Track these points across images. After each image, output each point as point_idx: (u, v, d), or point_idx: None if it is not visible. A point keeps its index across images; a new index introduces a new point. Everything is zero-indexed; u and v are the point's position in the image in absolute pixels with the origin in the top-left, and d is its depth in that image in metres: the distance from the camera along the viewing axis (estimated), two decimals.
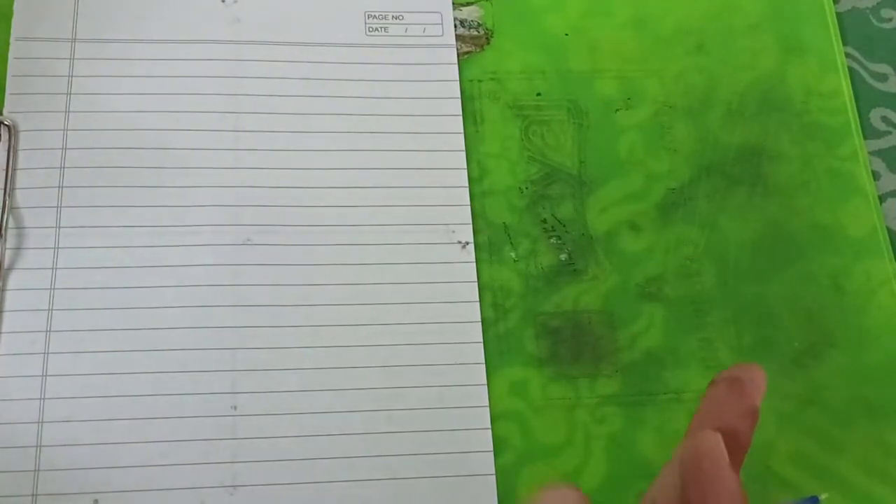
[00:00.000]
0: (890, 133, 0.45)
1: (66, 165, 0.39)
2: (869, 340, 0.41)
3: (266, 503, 0.36)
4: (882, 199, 0.44)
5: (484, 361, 0.38)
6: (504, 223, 0.41)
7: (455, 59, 0.43)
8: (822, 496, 0.30)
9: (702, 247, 0.42)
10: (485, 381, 0.38)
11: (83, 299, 0.37)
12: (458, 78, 0.43)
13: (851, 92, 0.45)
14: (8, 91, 0.40)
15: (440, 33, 0.44)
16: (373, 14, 0.44)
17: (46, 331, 0.37)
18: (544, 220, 0.41)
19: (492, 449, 0.37)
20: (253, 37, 0.42)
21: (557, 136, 0.43)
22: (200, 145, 0.40)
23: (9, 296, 0.37)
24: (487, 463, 0.37)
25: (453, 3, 0.44)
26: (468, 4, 0.45)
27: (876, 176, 0.44)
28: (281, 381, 0.37)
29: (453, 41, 0.44)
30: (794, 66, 0.45)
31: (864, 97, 0.45)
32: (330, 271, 0.39)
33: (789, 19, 0.46)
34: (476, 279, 0.40)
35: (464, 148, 0.42)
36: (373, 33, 0.43)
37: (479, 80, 0.43)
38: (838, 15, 0.47)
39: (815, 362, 0.40)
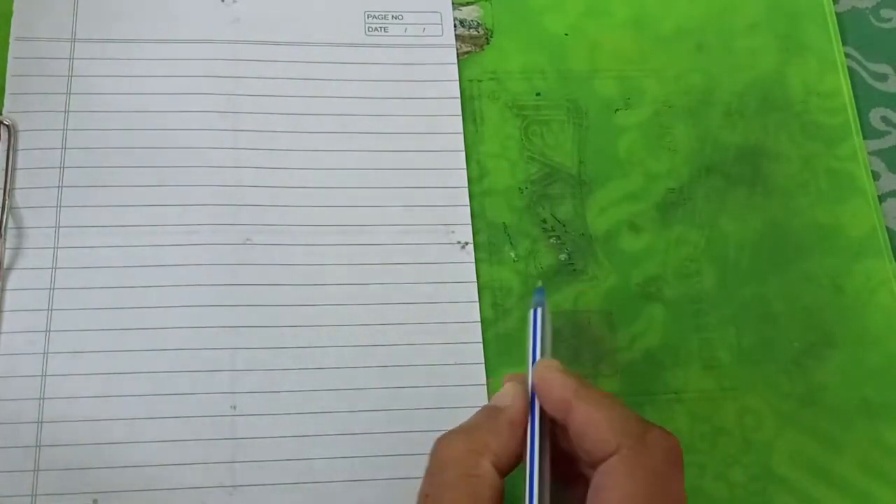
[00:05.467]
0: (890, 133, 0.45)
1: (66, 165, 0.39)
2: (869, 340, 0.41)
3: (265, 503, 0.36)
4: (882, 199, 0.44)
5: (483, 361, 0.38)
6: (504, 223, 0.41)
7: (455, 59, 0.43)
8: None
9: (702, 247, 0.42)
10: (484, 381, 0.38)
11: (82, 299, 0.37)
12: (457, 78, 0.43)
13: (851, 92, 0.45)
14: (7, 91, 0.40)
15: (440, 33, 0.44)
16: (372, 14, 0.44)
17: (46, 331, 0.37)
18: (544, 220, 0.41)
19: None
20: (252, 37, 0.42)
21: (557, 136, 0.43)
22: (200, 145, 0.40)
23: (8, 296, 0.37)
24: None
25: (453, 3, 0.44)
26: (468, 4, 0.45)
27: (876, 176, 0.44)
28: (280, 381, 0.37)
29: (453, 41, 0.44)
30: (793, 66, 0.45)
31: (864, 97, 0.45)
32: (329, 271, 0.39)
33: (789, 19, 0.46)
34: (476, 279, 0.40)
35: (463, 148, 0.42)
36: (372, 33, 0.43)
37: (479, 80, 0.43)
38: (838, 15, 0.46)
39: (815, 362, 0.40)
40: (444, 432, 0.31)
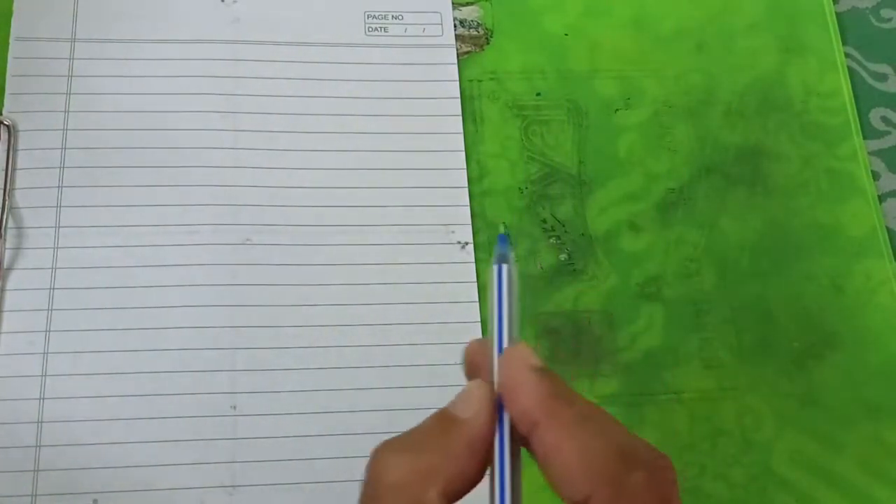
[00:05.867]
0: (890, 133, 0.45)
1: (66, 165, 0.39)
2: (869, 340, 0.41)
3: (265, 503, 0.36)
4: (882, 199, 0.44)
5: None
6: (504, 223, 0.41)
7: (455, 59, 0.43)
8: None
9: (701, 247, 0.42)
10: None
11: (82, 299, 0.37)
12: (457, 78, 0.43)
13: (851, 92, 0.45)
14: (8, 91, 0.40)
15: (440, 33, 0.44)
16: (372, 14, 0.44)
17: (46, 331, 0.37)
18: (544, 220, 0.41)
19: None
20: (252, 37, 0.42)
21: (557, 136, 0.43)
22: (200, 145, 0.40)
23: (9, 296, 0.37)
24: None
25: (453, 3, 0.44)
26: (468, 4, 0.45)
27: (876, 176, 0.44)
28: (280, 381, 0.37)
29: (453, 41, 0.44)
30: (793, 66, 0.45)
31: (864, 97, 0.45)
32: (329, 271, 0.39)
33: (789, 19, 0.46)
34: (476, 279, 0.40)
35: (463, 148, 0.42)
36: (372, 33, 0.43)
37: (479, 80, 0.43)
38: (838, 15, 0.46)
39: (815, 362, 0.40)
40: (383, 441, 0.25)
